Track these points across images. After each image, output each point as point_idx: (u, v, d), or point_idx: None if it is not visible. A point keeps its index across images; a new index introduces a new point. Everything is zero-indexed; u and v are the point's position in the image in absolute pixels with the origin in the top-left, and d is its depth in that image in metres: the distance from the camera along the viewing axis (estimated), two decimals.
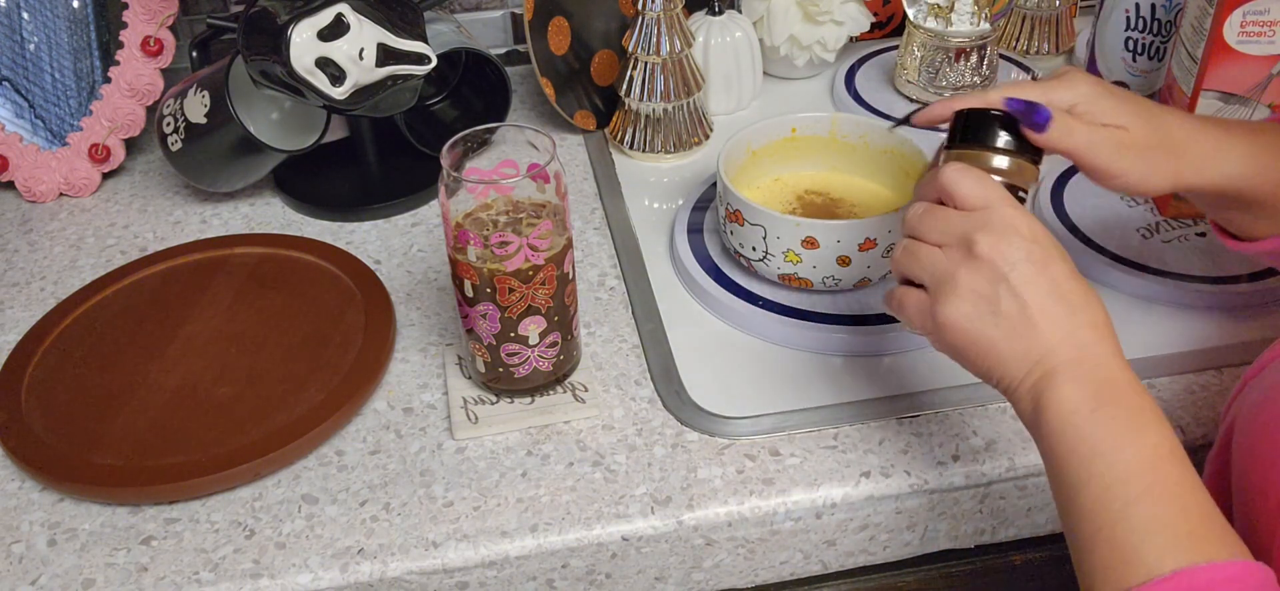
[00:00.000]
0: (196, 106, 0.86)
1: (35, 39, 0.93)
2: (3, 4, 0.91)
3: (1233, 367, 0.71)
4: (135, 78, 0.94)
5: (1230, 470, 0.55)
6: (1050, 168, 0.90)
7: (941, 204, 0.57)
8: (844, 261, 0.73)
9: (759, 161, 0.84)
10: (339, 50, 0.77)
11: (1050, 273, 0.53)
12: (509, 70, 0.96)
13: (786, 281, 0.76)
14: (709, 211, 0.86)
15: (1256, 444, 0.52)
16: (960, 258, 0.54)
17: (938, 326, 0.55)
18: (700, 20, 1.00)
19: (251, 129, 0.85)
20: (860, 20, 1.05)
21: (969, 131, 0.60)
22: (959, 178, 0.56)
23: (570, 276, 0.67)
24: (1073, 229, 0.82)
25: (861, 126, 0.84)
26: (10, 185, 0.95)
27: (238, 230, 0.89)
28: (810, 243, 0.72)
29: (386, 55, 0.80)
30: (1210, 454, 0.59)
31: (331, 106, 0.80)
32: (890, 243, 0.73)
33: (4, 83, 0.92)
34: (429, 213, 0.91)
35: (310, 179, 0.93)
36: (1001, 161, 0.59)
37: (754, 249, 0.75)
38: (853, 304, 0.76)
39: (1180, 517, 0.48)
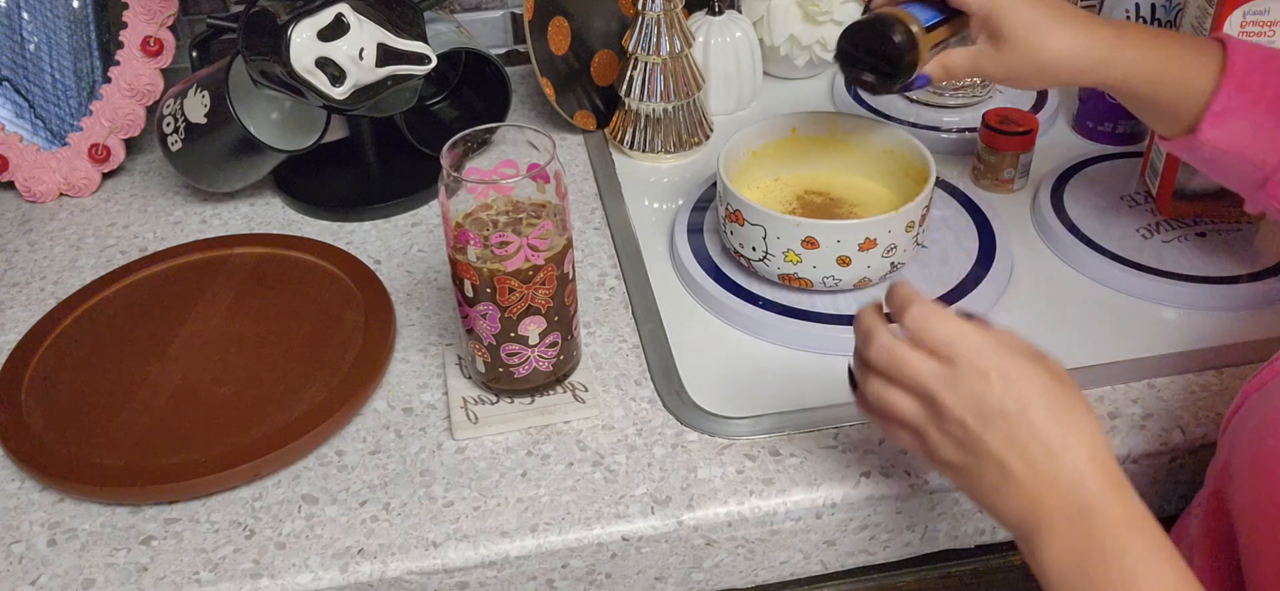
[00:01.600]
0: (196, 106, 0.86)
1: (35, 39, 0.93)
2: (3, 4, 0.91)
3: (1233, 368, 0.71)
4: (135, 78, 0.94)
5: (1231, 491, 0.53)
6: (1052, 166, 0.91)
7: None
8: (844, 261, 0.73)
9: (759, 161, 0.84)
10: (339, 50, 0.77)
11: (1027, 419, 0.50)
12: (509, 70, 0.96)
13: (786, 281, 0.76)
14: (709, 211, 0.86)
15: (1258, 481, 0.50)
16: (930, 416, 0.52)
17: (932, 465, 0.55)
18: (700, 20, 1.00)
19: (251, 129, 0.85)
20: None
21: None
22: (921, 322, 0.52)
23: (570, 276, 0.67)
24: (1073, 229, 0.82)
25: (861, 126, 0.84)
26: (10, 185, 0.95)
27: (238, 230, 0.89)
28: (810, 243, 0.72)
29: (386, 55, 0.80)
30: (1211, 468, 0.58)
31: (331, 106, 0.80)
32: (891, 243, 0.73)
33: (4, 83, 0.92)
34: (429, 213, 0.91)
35: (310, 179, 0.93)
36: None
37: (754, 249, 0.75)
38: (853, 304, 0.76)
39: None
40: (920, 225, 0.75)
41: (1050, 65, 0.68)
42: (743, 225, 0.75)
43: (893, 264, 0.75)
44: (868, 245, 0.73)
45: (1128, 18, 0.90)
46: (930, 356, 0.52)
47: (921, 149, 0.78)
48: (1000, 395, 0.50)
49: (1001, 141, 0.87)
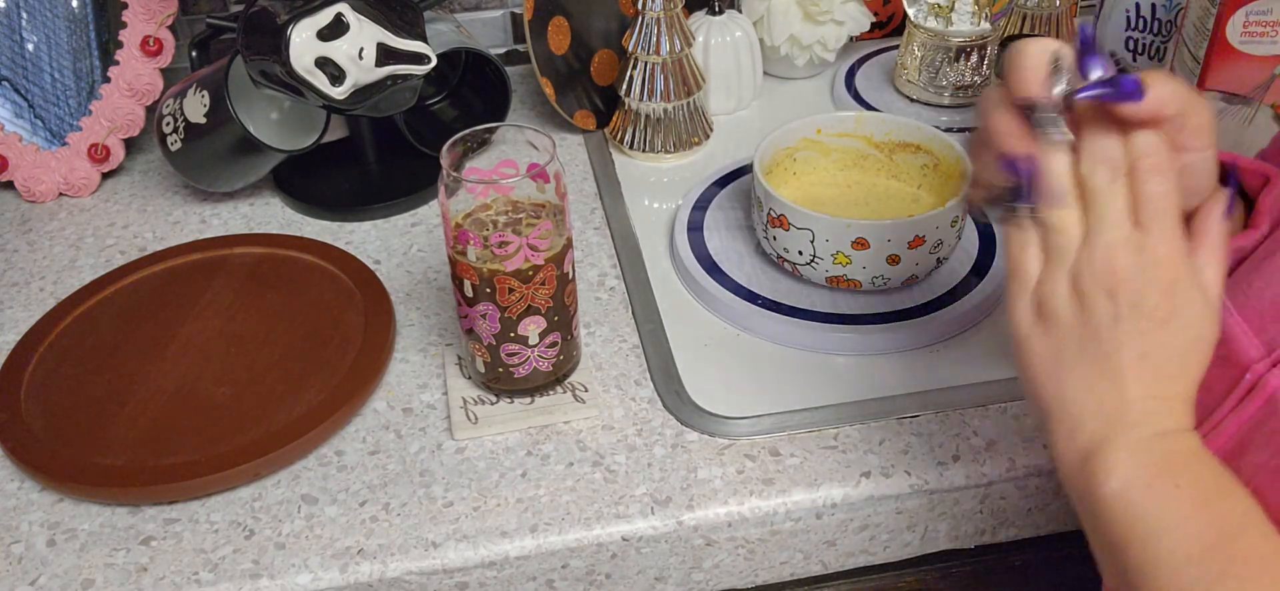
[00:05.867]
0: (196, 106, 0.86)
1: (35, 39, 0.93)
2: (2, 4, 0.91)
3: None
4: (135, 77, 0.94)
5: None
6: None
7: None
8: (893, 260, 0.73)
9: (785, 163, 0.84)
10: (339, 50, 0.77)
11: (1161, 335, 0.44)
12: (509, 70, 0.96)
13: (835, 284, 0.75)
14: (709, 211, 0.86)
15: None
16: (1082, 252, 0.46)
17: (1015, 320, 0.47)
18: (700, 20, 1.00)
19: (251, 129, 0.85)
20: (860, 20, 1.05)
21: None
22: (1146, 180, 0.45)
23: (570, 276, 0.67)
24: None
25: (886, 124, 0.83)
26: (10, 185, 0.95)
27: (238, 230, 0.89)
28: (860, 243, 0.72)
29: (386, 55, 0.80)
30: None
31: (331, 106, 0.80)
32: (938, 238, 0.73)
33: (4, 83, 0.92)
34: (429, 213, 0.91)
35: (310, 179, 0.93)
36: None
37: (801, 253, 0.75)
38: (853, 304, 0.76)
39: None
40: (962, 220, 0.76)
41: None
42: (788, 230, 0.74)
43: (938, 260, 0.75)
44: (917, 243, 0.72)
45: (1127, 18, 0.90)
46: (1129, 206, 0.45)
47: (952, 144, 0.78)
48: (1165, 287, 0.44)
49: None
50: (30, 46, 0.93)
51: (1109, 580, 0.46)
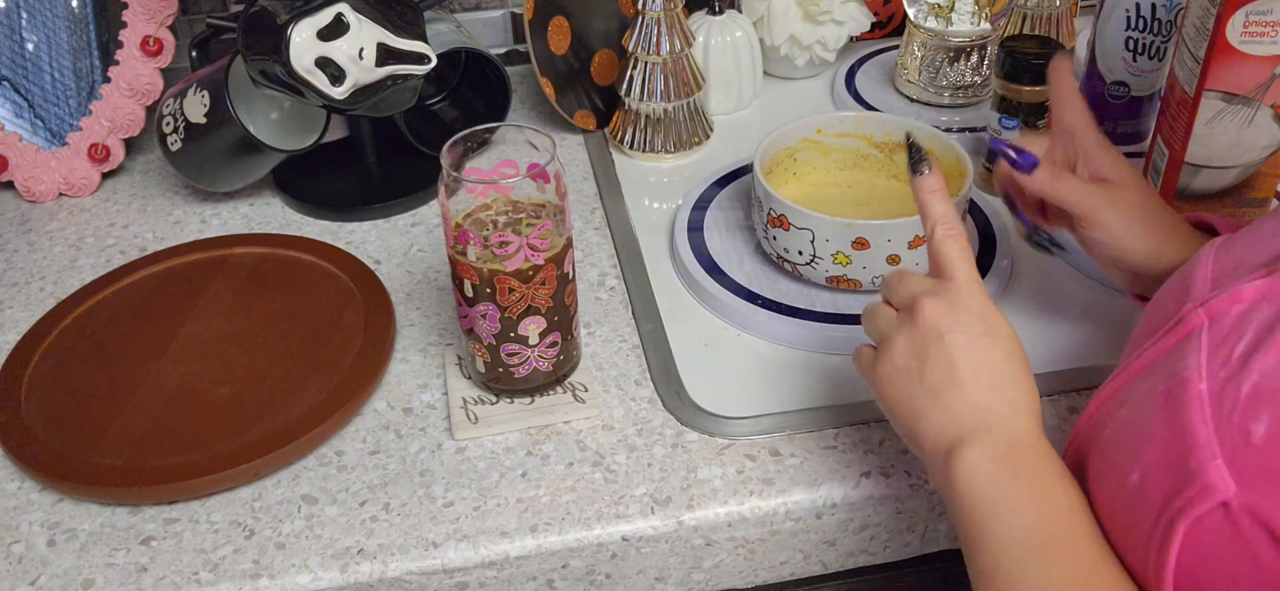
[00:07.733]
0: (196, 106, 0.86)
1: (34, 39, 0.93)
2: (2, 4, 0.91)
3: None
4: (135, 77, 0.94)
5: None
6: None
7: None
8: (893, 260, 0.73)
9: (786, 163, 0.84)
10: (339, 50, 0.77)
11: (985, 347, 0.53)
12: (509, 70, 0.96)
13: (835, 284, 0.75)
14: (709, 211, 0.86)
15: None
16: (903, 319, 0.56)
17: (873, 381, 0.57)
18: (700, 20, 1.00)
19: (251, 129, 0.85)
20: (860, 20, 1.05)
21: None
22: (941, 244, 0.56)
23: (570, 276, 0.67)
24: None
25: (886, 124, 0.83)
26: (10, 185, 0.95)
27: (238, 230, 0.89)
28: (861, 244, 0.72)
29: (386, 55, 0.80)
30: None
31: (331, 106, 0.80)
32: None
33: (3, 82, 0.92)
34: (429, 213, 0.91)
35: (310, 179, 0.93)
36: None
37: (801, 253, 0.75)
38: (853, 303, 0.76)
39: (1079, 582, 0.46)
40: (962, 220, 0.76)
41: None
42: (788, 230, 0.75)
43: None
44: (917, 243, 0.72)
45: (1127, 18, 0.90)
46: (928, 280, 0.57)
47: (952, 143, 0.78)
48: (972, 317, 0.53)
49: None
50: (30, 46, 0.93)
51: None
